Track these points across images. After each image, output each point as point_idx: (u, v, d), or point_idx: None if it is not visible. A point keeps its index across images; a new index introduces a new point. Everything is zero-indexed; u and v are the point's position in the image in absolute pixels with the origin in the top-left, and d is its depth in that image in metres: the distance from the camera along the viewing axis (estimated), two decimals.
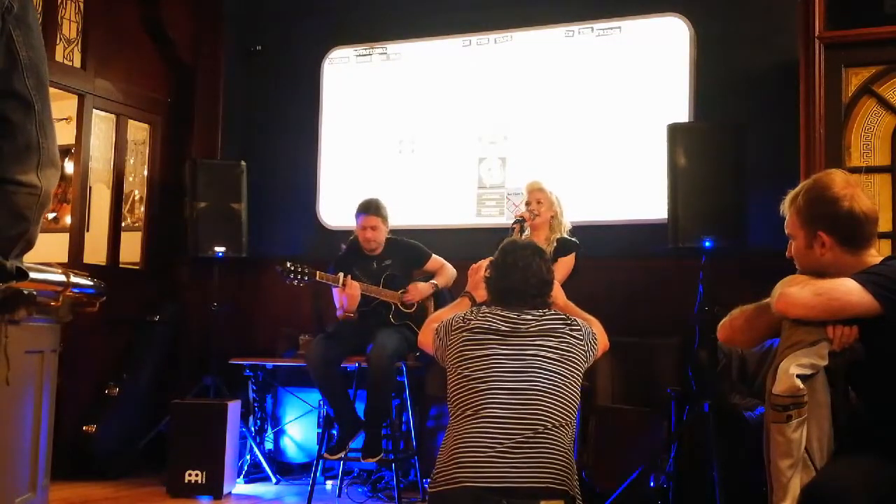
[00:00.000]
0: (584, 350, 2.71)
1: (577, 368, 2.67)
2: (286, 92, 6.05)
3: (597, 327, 2.90)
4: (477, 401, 2.57)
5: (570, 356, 2.66)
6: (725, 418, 3.92)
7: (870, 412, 2.30)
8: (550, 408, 2.56)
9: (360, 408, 4.56)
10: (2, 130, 1.48)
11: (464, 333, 2.70)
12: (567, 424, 2.58)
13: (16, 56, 1.48)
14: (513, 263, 2.79)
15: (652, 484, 4.08)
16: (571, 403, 2.62)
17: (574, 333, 2.71)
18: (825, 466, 2.20)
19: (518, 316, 2.70)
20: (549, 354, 2.63)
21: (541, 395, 2.56)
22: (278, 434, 5.43)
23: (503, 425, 2.52)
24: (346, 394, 4.58)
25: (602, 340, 2.87)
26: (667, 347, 4.65)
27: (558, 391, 2.59)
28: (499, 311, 2.73)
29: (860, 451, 2.20)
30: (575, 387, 2.65)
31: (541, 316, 2.72)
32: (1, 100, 1.48)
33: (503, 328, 2.67)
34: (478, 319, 2.71)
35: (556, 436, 2.53)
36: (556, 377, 2.60)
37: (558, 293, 2.99)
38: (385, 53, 5.82)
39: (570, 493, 2.51)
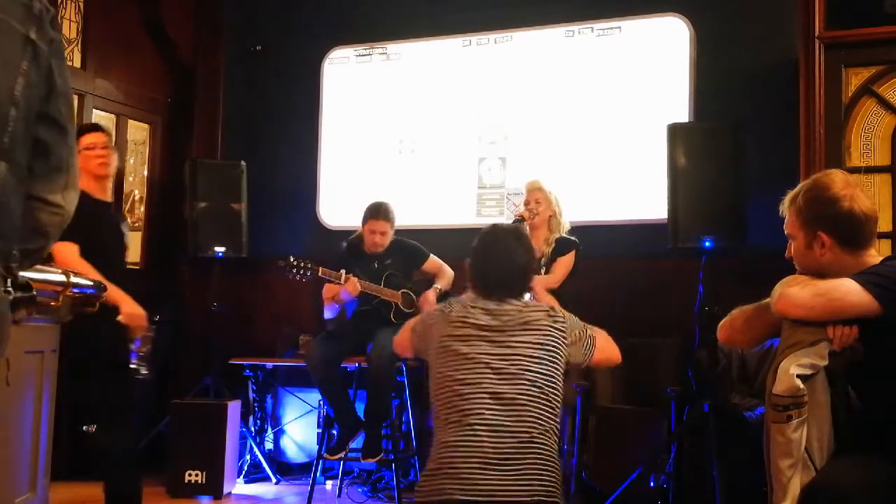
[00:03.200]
0: (564, 341, 2.57)
1: (558, 364, 2.54)
2: (286, 92, 6.04)
3: (602, 336, 2.74)
4: (462, 406, 2.47)
5: (551, 350, 2.54)
6: (725, 418, 3.92)
7: (870, 412, 2.29)
8: (537, 413, 2.46)
9: (360, 408, 4.56)
10: (37, 151, 1.55)
11: (445, 327, 2.58)
12: (553, 430, 2.49)
13: (53, 83, 1.57)
14: (494, 250, 2.68)
15: (652, 484, 4.08)
16: (556, 405, 2.52)
17: (557, 325, 2.58)
18: (825, 466, 2.20)
19: (499, 306, 2.58)
20: (532, 353, 2.51)
21: (528, 400, 2.46)
22: (278, 434, 5.43)
23: (490, 433, 2.42)
24: (346, 394, 4.58)
25: (606, 351, 2.73)
26: (667, 347, 4.65)
27: (544, 394, 2.49)
28: (479, 304, 2.60)
29: (860, 451, 2.20)
30: (558, 386, 2.53)
31: (523, 307, 2.60)
32: (39, 122, 1.55)
33: (484, 322, 2.55)
34: (457, 311, 2.59)
35: (543, 443, 2.45)
36: (540, 378, 2.49)
37: (553, 305, 2.90)
38: (385, 53, 5.82)
39: None
